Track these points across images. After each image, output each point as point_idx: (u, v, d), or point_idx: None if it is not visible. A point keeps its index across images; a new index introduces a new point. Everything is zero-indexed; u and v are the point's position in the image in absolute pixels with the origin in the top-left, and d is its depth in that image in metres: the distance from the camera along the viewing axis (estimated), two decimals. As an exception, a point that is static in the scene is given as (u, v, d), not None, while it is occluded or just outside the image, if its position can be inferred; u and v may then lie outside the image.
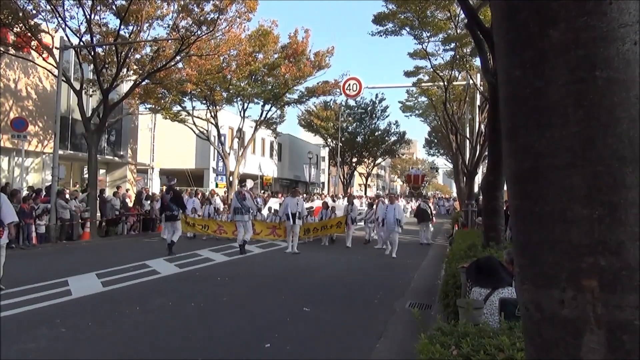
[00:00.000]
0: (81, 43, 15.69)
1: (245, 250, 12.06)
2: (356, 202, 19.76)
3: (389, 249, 12.79)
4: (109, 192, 18.63)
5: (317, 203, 18.59)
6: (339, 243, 14.92)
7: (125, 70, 16.99)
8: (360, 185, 52.76)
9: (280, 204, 16.35)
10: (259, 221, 14.80)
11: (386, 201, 14.18)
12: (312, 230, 14.68)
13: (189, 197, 17.26)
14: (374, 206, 15.78)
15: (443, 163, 53.85)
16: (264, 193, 26.36)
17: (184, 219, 13.60)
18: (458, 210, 23.22)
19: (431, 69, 17.65)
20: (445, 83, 16.37)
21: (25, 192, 13.72)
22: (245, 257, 11.56)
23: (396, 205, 13.16)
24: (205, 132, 25.75)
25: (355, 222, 15.39)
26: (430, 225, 16.86)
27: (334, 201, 20.68)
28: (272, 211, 16.43)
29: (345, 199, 20.07)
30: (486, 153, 12.29)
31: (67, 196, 14.67)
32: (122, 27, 15.52)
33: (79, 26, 15.80)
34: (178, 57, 17.25)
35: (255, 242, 13.82)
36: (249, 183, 29.92)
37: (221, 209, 17.27)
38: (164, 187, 13.77)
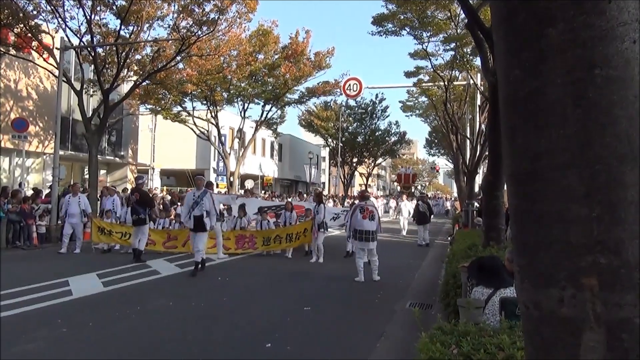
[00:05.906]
0: (82, 43, 15.71)
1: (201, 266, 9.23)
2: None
3: (360, 274, 8.62)
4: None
5: (306, 205, 13.91)
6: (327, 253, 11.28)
7: (125, 70, 17.02)
8: (360, 185, 52.74)
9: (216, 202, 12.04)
10: (153, 230, 11.80)
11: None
12: (274, 240, 11.56)
13: (110, 195, 13.44)
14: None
15: (444, 163, 53.84)
16: (264, 193, 26.35)
17: (95, 224, 11.90)
18: (459, 210, 23.17)
19: (431, 69, 17.63)
20: (446, 83, 16.37)
21: (18, 189, 13.61)
22: (245, 258, 11.49)
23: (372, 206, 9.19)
24: (205, 132, 25.78)
25: (326, 228, 11.78)
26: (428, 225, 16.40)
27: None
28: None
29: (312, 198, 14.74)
30: (486, 153, 12.25)
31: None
32: (122, 27, 15.56)
33: (80, 26, 15.83)
34: (178, 58, 17.29)
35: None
36: (249, 183, 30.03)
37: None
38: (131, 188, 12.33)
